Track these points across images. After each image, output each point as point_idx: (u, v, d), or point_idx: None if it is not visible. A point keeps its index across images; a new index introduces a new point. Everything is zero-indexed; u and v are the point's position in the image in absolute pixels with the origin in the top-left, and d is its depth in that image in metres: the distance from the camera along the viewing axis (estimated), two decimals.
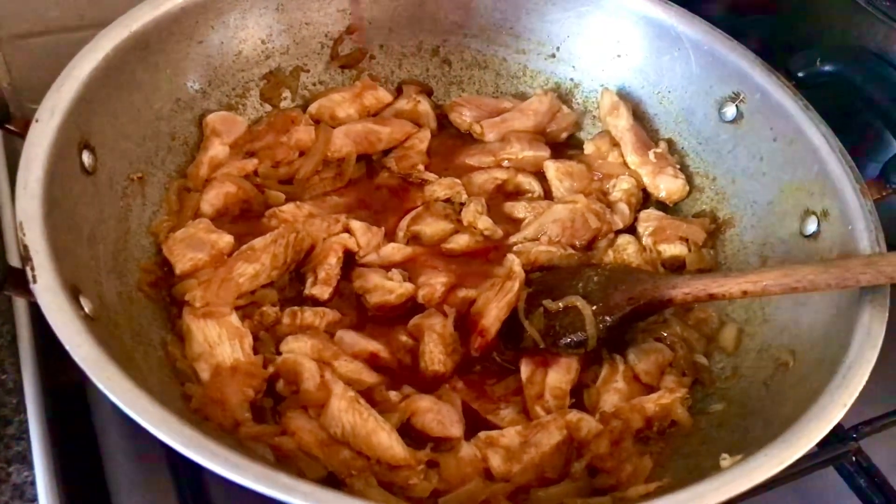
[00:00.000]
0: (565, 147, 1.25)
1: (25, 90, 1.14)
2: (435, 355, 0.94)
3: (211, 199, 1.03)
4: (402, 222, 1.08)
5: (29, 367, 0.90)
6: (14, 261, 0.75)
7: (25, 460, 0.84)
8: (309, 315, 0.95)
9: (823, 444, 0.75)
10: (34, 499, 0.82)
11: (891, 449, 0.97)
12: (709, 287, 0.92)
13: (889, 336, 0.83)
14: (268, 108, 1.18)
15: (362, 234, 1.04)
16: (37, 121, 0.84)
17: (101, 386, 0.67)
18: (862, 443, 0.93)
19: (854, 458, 0.92)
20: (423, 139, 1.18)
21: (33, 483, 0.82)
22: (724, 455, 0.75)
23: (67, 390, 0.92)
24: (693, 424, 0.92)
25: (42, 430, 0.85)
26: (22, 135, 0.83)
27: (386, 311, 0.99)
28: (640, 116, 1.22)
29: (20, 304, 0.95)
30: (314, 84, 1.21)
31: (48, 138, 0.82)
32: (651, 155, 1.16)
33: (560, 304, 0.97)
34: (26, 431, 0.86)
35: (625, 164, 1.18)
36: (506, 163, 1.19)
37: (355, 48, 1.22)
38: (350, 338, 0.95)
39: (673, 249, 1.09)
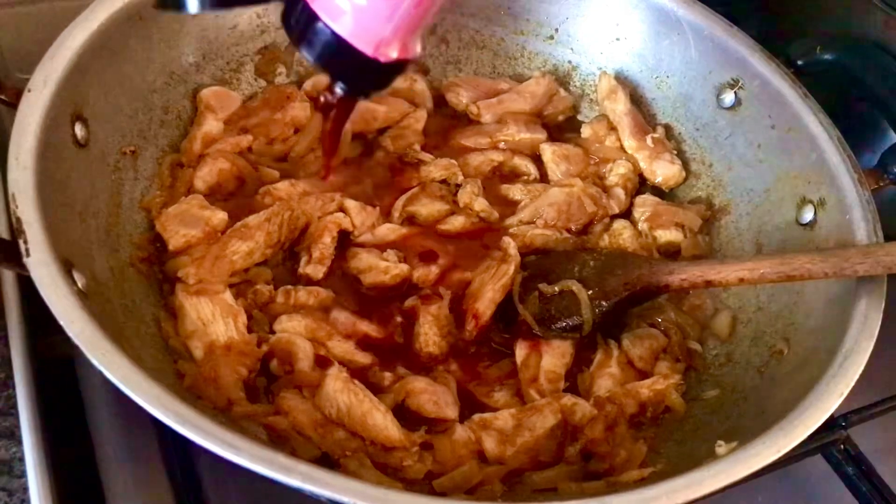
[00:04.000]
0: (562, 130, 1.24)
1: (16, 60, 1.11)
2: (430, 337, 0.93)
3: (204, 176, 1.02)
4: (398, 202, 1.07)
5: (17, 342, 0.88)
6: (3, 233, 0.74)
7: (14, 436, 0.83)
8: (303, 294, 0.95)
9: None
10: (22, 475, 0.81)
11: (879, 437, 0.99)
12: (706, 274, 0.92)
13: (882, 325, 0.84)
14: (262, 83, 1.16)
15: (357, 214, 1.03)
16: (29, 91, 0.82)
17: (95, 362, 0.66)
18: (850, 431, 0.93)
19: (842, 447, 0.93)
20: (419, 119, 1.17)
21: (22, 459, 0.81)
22: (720, 442, 0.75)
23: (56, 365, 0.91)
24: (687, 410, 0.92)
25: (31, 406, 0.84)
26: (13, 105, 0.81)
27: (380, 292, 0.98)
28: (637, 101, 1.21)
29: (8, 277, 0.93)
30: None
31: (41, 109, 0.81)
32: (648, 140, 1.16)
33: (556, 288, 0.97)
34: (15, 407, 0.84)
35: (622, 148, 1.18)
36: (502, 145, 1.18)
37: None
38: (344, 318, 0.94)
39: (668, 235, 1.08)
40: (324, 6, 0.67)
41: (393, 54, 0.69)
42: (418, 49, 0.72)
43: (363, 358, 0.91)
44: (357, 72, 0.71)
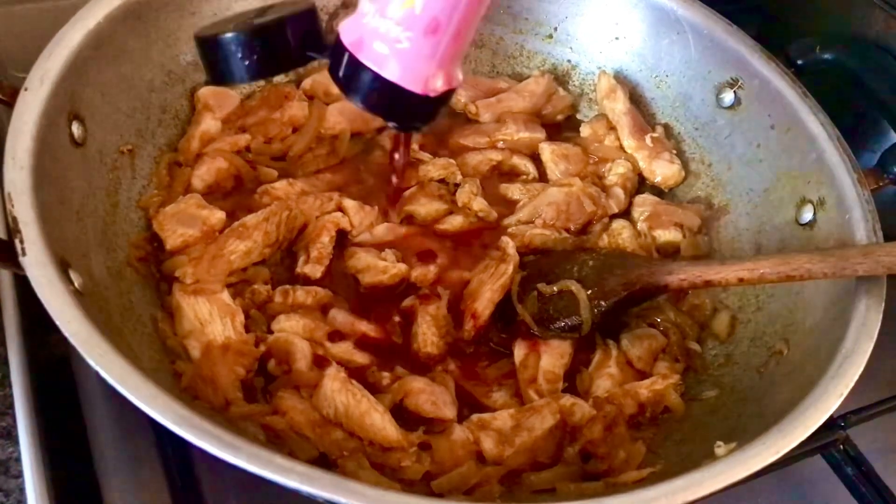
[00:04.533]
0: (561, 129, 1.24)
1: (12, 58, 1.11)
2: (428, 337, 0.93)
3: (202, 175, 1.01)
4: None
5: (14, 341, 0.88)
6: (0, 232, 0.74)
7: (10, 436, 0.83)
8: (301, 294, 0.94)
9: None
10: (19, 475, 0.81)
11: (878, 438, 0.98)
12: (705, 274, 0.91)
13: (881, 326, 0.83)
14: (261, 82, 1.15)
15: (355, 213, 1.03)
16: (26, 89, 0.81)
17: (92, 363, 0.65)
18: (850, 431, 0.93)
19: (842, 447, 0.93)
20: None
21: (18, 459, 0.81)
22: (719, 443, 0.75)
23: (53, 365, 0.90)
24: (686, 411, 0.92)
25: (27, 406, 0.84)
26: (10, 104, 0.81)
27: (379, 291, 0.98)
28: (637, 100, 1.21)
29: (5, 276, 0.93)
30: None
31: (37, 108, 0.80)
32: (648, 139, 1.16)
33: (554, 288, 0.96)
34: (11, 407, 0.84)
35: (621, 147, 1.18)
36: (501, 144, 1.18)
37: None
38: (342, 317, 0.94)
39: (668, 235, 1.08)
40: (370, 56, 0.69)
41: (439, 86, 0.70)
42: (460, 77, 0.73)
43: (361, 358, 0.91)
44: (409, 110, 0.73)
